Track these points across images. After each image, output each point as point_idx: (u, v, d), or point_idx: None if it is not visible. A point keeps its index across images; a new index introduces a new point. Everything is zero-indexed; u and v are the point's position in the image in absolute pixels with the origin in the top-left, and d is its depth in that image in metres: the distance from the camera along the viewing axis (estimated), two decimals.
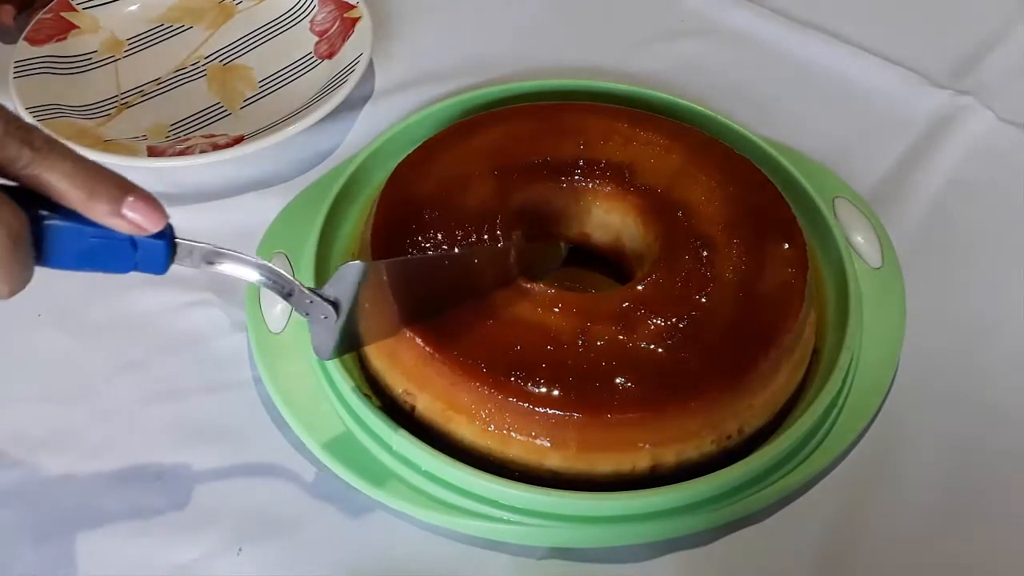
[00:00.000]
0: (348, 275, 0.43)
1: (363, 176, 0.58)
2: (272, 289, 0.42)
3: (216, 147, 0.61)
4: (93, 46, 0.69)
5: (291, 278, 0.42)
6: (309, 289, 0.43)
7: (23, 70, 0.65)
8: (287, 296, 0.42)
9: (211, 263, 0.40)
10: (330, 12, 0.71)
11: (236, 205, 0.61)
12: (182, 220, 0.59)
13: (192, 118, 0.66)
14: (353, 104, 0.67)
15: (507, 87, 0.63)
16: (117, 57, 0.69)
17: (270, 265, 0.41)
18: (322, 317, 0.43)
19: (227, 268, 0.41)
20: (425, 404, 0.47)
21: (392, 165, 0.56)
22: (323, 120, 0.63)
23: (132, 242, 0.38)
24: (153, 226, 0.38)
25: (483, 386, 0.45)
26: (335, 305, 0.43)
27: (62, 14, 0.70)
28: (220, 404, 0.51)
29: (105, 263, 0.38)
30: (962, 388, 0.52)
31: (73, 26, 0.69)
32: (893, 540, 0.46)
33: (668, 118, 0.59)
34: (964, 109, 0.67)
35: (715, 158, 0.56)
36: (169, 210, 0.60)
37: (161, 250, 0.39)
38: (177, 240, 0.40)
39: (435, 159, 0.55)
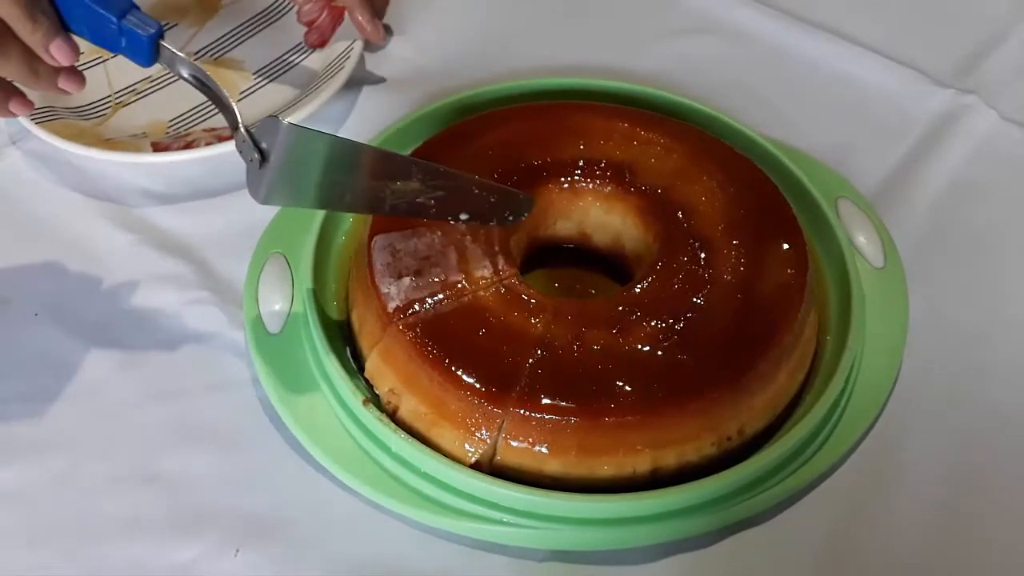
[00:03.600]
0: (271, 130, 0.44)
1: None
2: (227, 120, 0.46)
3: (221, 139, 0.61)
4: (80, 48, 0.69)
5: (237, 114, 0.46)
6: (247, 129, 0.45)
7: None
8: (234, 129, 0.46)
9: (189, 77, 0.47)
10: (317, 2, 0.71)
11: (235, 204, 0.61)
12: (180, 219, 0.60)
13: (189, 113, 0.66)
14: (352, 103, 0.67)
15: (507, 86, 0.63)
16: (105, 58, 0.69)
17: (233, 105, 0.46)
18: (249, 160, 0.45)
19: (203, 86, 0.47)
20: (410, 407, 0.47)
21: None
22: (323, 120, 0.63)
23: (117, 27, 0.46)
24: None
25: (474, 395, 0.45)
26: (262, 153, 0.44)
27: None
28: (218, 404, 0.51)
29: (100, 37, 0.47)
30: (965, 389, 0.52)
31: None
32: (896, 541, 0.46)
33: (669, 117, 0.59)
34: (967, 108, 0.67)
35: (716, 158, 0.55)
36: (167, 208, 0.61)
37: (144, 45, 0.46)
38: (162, 44, 0.46)
39: (434, 158, 0.55)
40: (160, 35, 0.46)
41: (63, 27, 0.47)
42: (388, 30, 0.72)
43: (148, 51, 0.46)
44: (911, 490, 0.48)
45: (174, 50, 0.47)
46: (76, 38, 0.48)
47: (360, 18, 0.67)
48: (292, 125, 0.44)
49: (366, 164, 0.48)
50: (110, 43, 0.46)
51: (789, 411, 0.49)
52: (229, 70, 0.69)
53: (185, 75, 0.47)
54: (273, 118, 0.45)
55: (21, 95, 0.50)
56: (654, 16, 0.75)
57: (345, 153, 0.47)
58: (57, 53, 0.47)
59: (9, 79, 0.49)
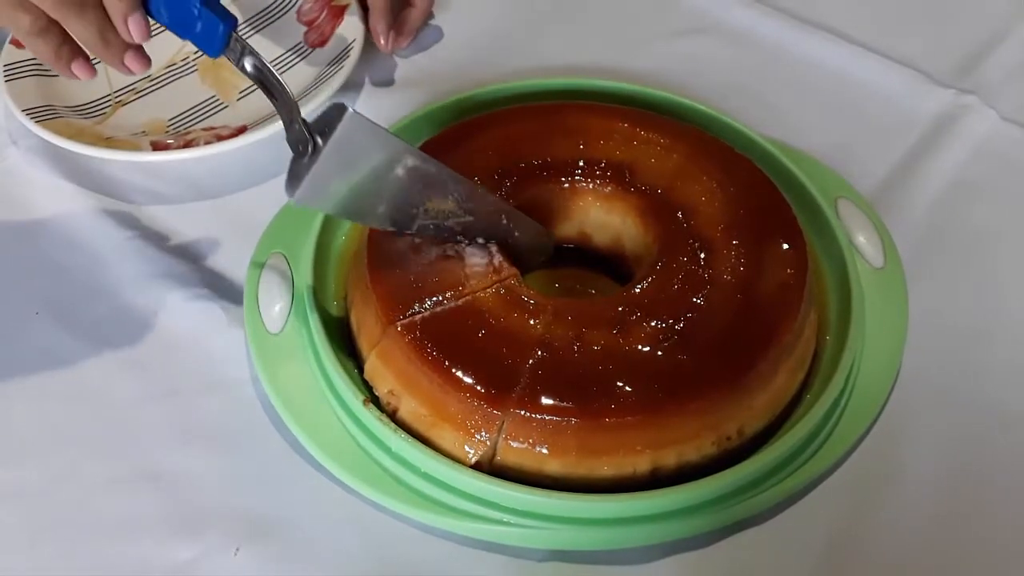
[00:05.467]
0: (334, 116, 0.45)
1: None
2: (282, 115, 0.46)
3: (220, 138, 0.61)
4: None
5: (297, 108, 0.46)
6: (303, 120, 0.45)
7: (12, 73, 0.65)
8: (289, 121, 0.46)
9: (252, 70, 0.46)
10: (316, 1, 0.71)
11: (235, 204, 0.61)
12: (180, 218, 0.60)
13: (189, 112, 0.66)
14: (352, 103, 0.67)
15: (507, 86, 0.63)
16: None
17: (292, 95, 0.46)
18: (299, 148, 0.45)
19: (262, 81, 0.46)
20: (410, 409, 0.47)
21: None
22: None
23: (198, 12, 0.45)
24: None
25: (474, 397, 0.45)
26: (314, 142, 0.45)
27: None
28: (218, 403, 0.51)
29: (176, 20, 0.46)
30: (965, 389, 0.52)
31: None
32: (896, 541, 0.46)
33: (669, 117, 0.59)
34: (967, 108, 0.67)
35: (716, 158, 0.55)
36: (167, 207, 0.61)
37: (219, 34, 0.46)
38: (234, 35, 0.46)
39: (435, 158, 0.55)
40: (235, 27, 0.46)
41: (143, 4, 0.47)
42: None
43: (221, 40, 0.46)
44: (911, 490, 0.48)
45: (245, 42, 0.46)
46: None
47: (377, 26, 0.67)
48: (358, 114, 0.45)
49: (414, 172, 0.48)
50: (185, 27, 0.46)
51: (789, 411, 0.49)
52: (229, 70, 0.69)
53: (248, 68, 0.46)
54: (340, 104, 0.45)
55: (86, 58, 0.51)
56: (654, 16, 0.75)
57: (400, 154, 0.47)
58: (133, 27, 0.47)
59: (80, 42, 0.49)
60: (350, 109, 0.45)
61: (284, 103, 0.46)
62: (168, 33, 0.70)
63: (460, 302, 0.48)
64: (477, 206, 0.50)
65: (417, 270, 0.49)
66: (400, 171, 0.47)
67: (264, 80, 0.46)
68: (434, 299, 0.48)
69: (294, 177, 0.46)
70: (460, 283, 0.49)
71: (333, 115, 0.45)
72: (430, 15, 0.74)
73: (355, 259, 0.53)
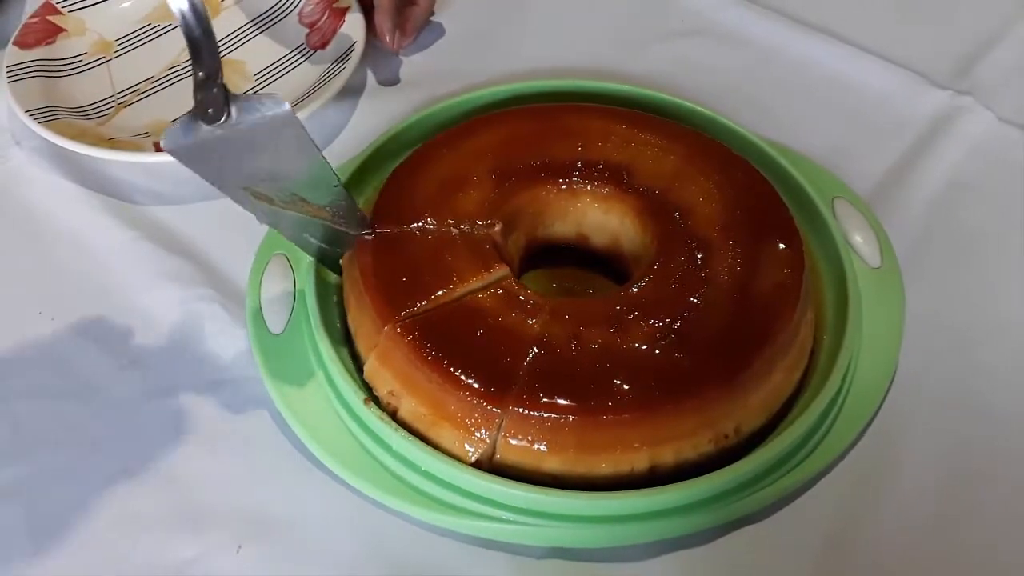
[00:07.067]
0: (267, 106, 0.42)
1: (362, 177, 0.58)
2: (202, 67, 0.41)
3: None
4: (82, 48, 0.70)
5: (218, 64, 0.42)
6: (223, 83, 0.42)
7: (16, 74, 0.65)
8: (205, 78, 0.41)
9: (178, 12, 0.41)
10: (318, 4, 0.72)
11: (237, 205, 0.61)
12: (183, 218, 0.61)
13: None
14: (353, 104, 0.67)
15: (506, 88, 0.63)
16: (108, 58, 0.70)
17: (217, 51, 0.42)
18: (208, 110, 0.42)
19: (187, 24, 0.41)
20: (410, 408, 0.47)
21: (391, 166, 0.56)
22: (321, 121, 0.63)
23: None
24: None
25: (473, 395, 0.45)
26: (228, 113, 0.42)
27: (48, 18, 0.70)
28: (220, 402, 0.52)
29: None
30: (961, 388, 0.52)
31: (60, 29, 0.69)
32: (892, 540, 0.47)
33: (667, 119, 0.59)
34: (964, 109, 0.67)
35: (713, 159, 0.55)
36: (170, 208, 0.61)
37: None
38: None
39: (434, 160, 0.55)
40: None
41: None
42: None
43: None
44: (908, 488, 0.48)
45: None
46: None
47: (383, 25, 0.68)
48: (295, 118, 0.43)
49: (305, 174, 0.47)
50: None
51: (786, 409, 0.49)
52: (230, 71, 0.69)
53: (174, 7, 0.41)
54: (275, 97, 0.43)
55: None
56: (652, 18, 0.75)
57: (317, 172, 0.46)
58: None
59: None
60: (287, 107, 0.43)
61: (208, 58, 0.42)
62: (171, 35, 0.72)
63: (457, 302, 0.48)
64: (345, 222, 0.50)
65: (410, 269, 0.49)
66: (312, 183, 0.46)
67: (187, 25, 0.41)
68: (430, 299, 0.48)
69: (184, 131, 0.42)
70: (454, 283, 0.49)
71: (265, 102, 0.43)
72: (431, 12, 0.74)
73: (347, 261, 0.53)
